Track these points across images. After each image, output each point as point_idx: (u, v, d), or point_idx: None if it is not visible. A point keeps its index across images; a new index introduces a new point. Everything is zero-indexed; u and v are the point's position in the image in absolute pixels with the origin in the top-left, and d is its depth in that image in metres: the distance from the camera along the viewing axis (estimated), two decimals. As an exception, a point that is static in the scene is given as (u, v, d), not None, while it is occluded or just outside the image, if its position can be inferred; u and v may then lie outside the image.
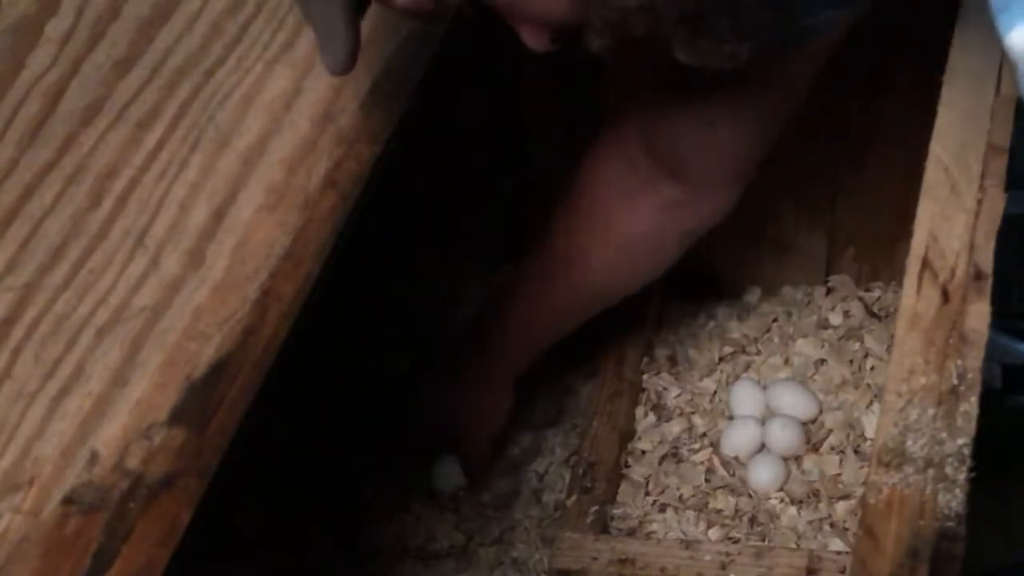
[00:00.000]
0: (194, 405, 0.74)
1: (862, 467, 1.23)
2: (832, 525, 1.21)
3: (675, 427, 1.30)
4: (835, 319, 1.37)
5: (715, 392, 1.33)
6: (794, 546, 1.19)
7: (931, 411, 0.71)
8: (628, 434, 1.30)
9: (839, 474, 1.24)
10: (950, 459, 0.70)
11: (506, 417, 1.28)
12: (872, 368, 1.31)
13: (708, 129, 1.08)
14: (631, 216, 1.15)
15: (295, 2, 0.82)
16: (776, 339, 1.36)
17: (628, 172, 1.13)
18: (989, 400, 0.72)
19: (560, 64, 1.27)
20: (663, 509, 1.24)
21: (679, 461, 1.28)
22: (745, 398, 1.29)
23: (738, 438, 1.27)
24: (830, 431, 1.27)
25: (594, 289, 1.22)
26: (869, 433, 1.25)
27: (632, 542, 1.18)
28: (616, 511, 1.24)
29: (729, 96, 1.04)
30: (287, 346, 0.79)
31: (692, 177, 1.11)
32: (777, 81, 1.03)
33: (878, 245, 1.36)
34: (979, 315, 0.74)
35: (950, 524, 0.68)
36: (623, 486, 1.26)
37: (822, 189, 1.34)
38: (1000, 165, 0.80)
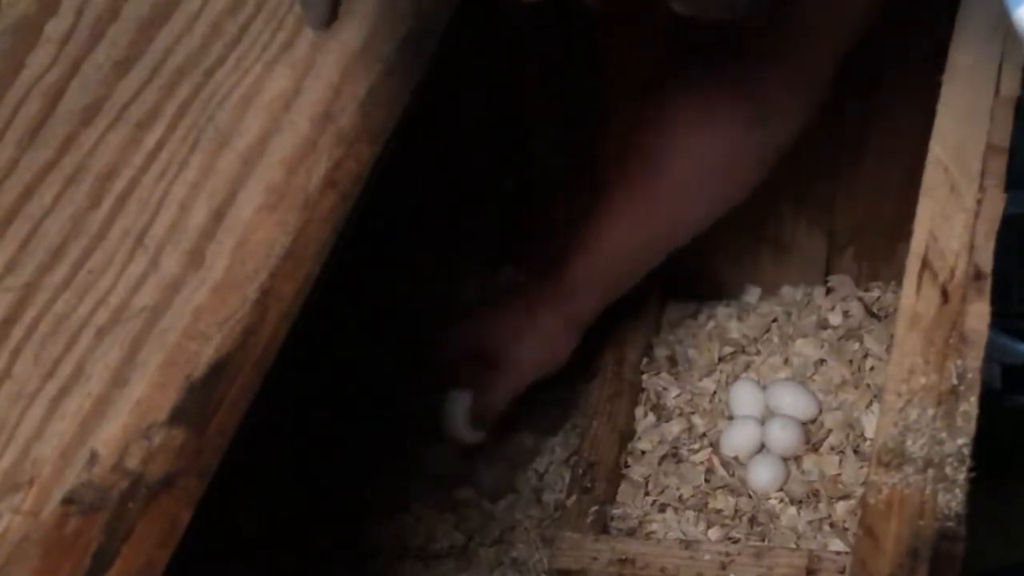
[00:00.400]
0: (194, 405, 0.74)
1: (862, 467, 1.23)
2: (832, 525, 1.21)
3: (675, 427, 1.30)
4: (835, 319, 1.36)
5: (715, 392, 1.33)
6: (794, 546, 1.19)
7: (931, 411, 0.71)
8: (628, 434, 1.30)
9: (839, 474, 1.24)
10: (950, 459, 0.70)
11: (559, 366, 1.25)
12: (872, 368, 1.31)
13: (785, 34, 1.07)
14: (710, 130, 1.13)
15: None
16: (776, 339, 1.36)
17: (706, 85, 1.11)
18: (989, 400, 0.72)
19: (560, 64, 1.28)
20: (663, 509, 1.24)
21: (679, 461, 1.27)
22: (745, 398, 1.29)
23: (738, 438, 1.27)
24: (830, 431, 1.27)
25: (673, 211, 1.18)
26: (869, 433, 1.25)
27: (632, 542, 1.18)
28: (616, 511, 1.24)
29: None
30: (287, 346, 0.79)
31: (768, 89, 1.10)
32: None
33: (878, 245, 1.36)
34: (979, 315, 0.74)
35: (950, 524, 0.68)
36: (623, 486, 1.26)
37: (822, 189, 1.34)
38: (1000, 165, 0.80)
